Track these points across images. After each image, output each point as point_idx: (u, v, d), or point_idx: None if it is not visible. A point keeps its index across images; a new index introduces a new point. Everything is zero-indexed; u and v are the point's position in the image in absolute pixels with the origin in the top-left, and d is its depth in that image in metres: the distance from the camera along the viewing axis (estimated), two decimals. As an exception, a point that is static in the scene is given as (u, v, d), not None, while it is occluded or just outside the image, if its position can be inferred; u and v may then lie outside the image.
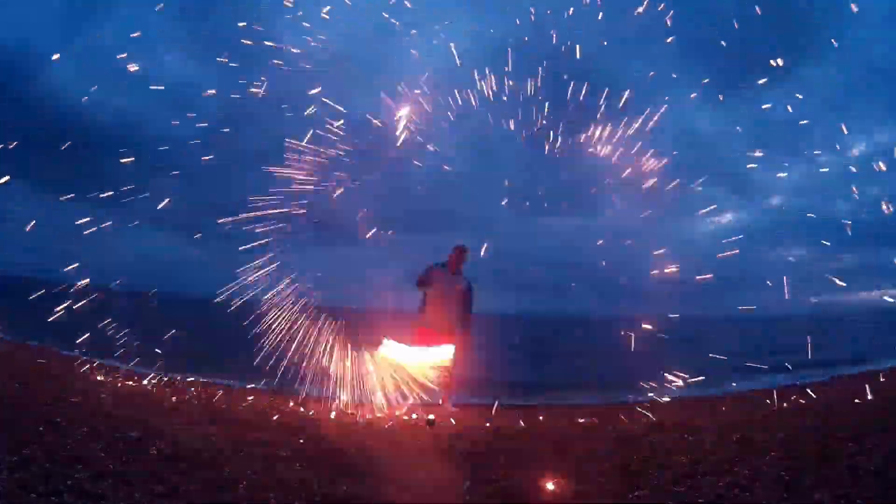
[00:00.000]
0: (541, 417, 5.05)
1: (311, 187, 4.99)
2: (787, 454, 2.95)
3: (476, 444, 3.72)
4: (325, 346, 4.80)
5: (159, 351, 6.26)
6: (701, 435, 3.65)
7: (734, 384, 9.52)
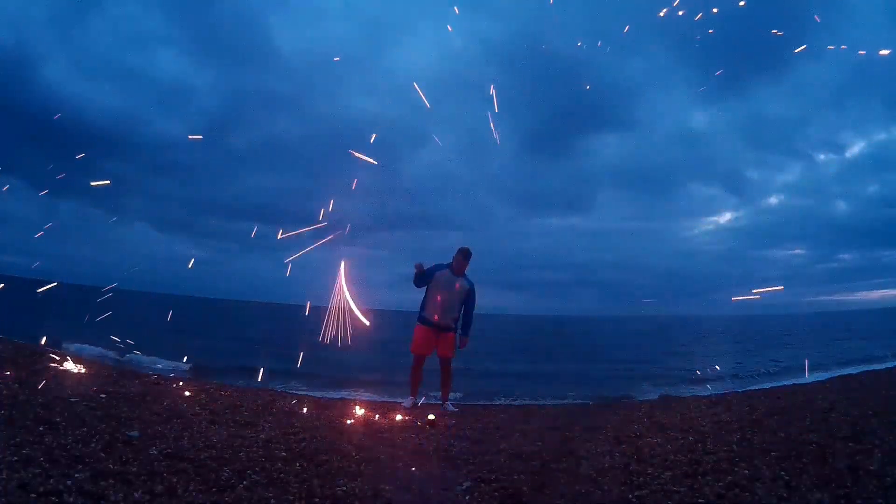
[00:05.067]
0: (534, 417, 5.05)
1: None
2: (787, 454, 2.96)
3: (476, 443, 3.72)
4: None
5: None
6: (701, 435, 3.66)
7: (734, 384, 9.54)
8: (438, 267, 5.22)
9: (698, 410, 4.79)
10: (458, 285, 5.17)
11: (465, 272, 5.24)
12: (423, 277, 5.17)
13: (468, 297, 5.25)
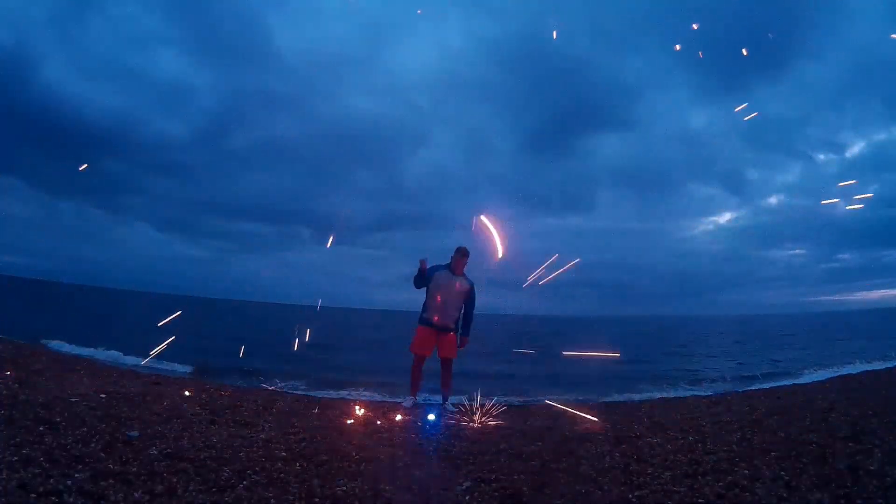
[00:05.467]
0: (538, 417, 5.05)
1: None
2: (787, 454, 2.96)
3: (476, 443, 3.72)
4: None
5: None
6: (701, 435, 3.66)
7: (734, 384, 9.54)
8: (437, 267, 5.22)
9: (698, 410, 4.79)
10: (457, 285, 5.17)
11: (465, 271, 5.24)
12: (422, 278, 5.18)
13: (468, 297, 5.25)
